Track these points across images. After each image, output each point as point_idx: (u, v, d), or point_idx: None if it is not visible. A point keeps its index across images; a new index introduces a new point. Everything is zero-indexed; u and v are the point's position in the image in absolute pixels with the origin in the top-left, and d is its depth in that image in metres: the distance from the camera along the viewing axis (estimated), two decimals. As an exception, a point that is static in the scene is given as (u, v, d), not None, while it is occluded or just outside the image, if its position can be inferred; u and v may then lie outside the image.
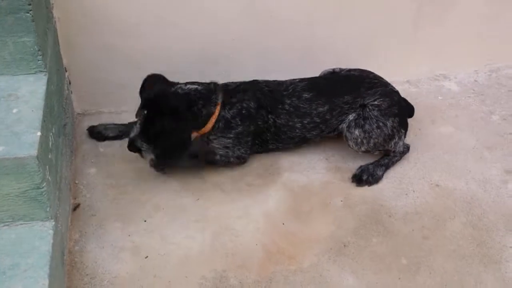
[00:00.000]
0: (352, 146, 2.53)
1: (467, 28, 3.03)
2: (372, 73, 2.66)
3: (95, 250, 2.24)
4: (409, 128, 2.66)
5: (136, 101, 2.85)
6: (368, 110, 2.49)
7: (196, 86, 2.41)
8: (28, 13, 2.03)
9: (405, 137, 2.61)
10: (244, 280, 2.16)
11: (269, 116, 2.50)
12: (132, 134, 2.39)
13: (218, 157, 2.52)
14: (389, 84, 2.64)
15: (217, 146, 2.49)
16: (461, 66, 3.16)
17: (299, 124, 2.52)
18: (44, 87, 2.10)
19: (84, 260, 2.20)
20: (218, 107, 2.41)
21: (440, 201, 2.48)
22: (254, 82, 2.56)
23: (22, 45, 2.08)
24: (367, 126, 2.48)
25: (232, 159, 2.53)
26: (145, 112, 2.32)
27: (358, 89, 2.53)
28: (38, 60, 2.13)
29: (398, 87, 2.66)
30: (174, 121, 2.28)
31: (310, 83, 2.56)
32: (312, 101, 2.51)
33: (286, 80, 2.59)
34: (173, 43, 2.74)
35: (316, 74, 2.75)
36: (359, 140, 2.49)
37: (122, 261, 2.21)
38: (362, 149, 2.52)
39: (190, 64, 2.83)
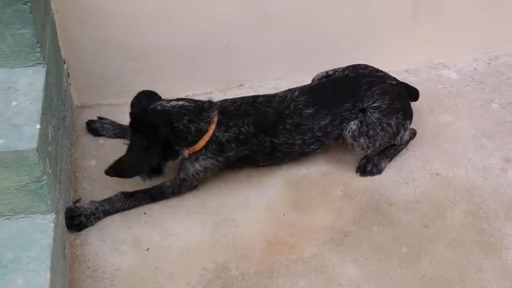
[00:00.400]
0: (359, 151, 2.49)
1: (465, 16, 3.02)
2: (367, 68, 2.57)
3: (96, 243, 2.24)
4: (408, 117, 2.66)
5: (135, 92, 2.85)
6: (369, 114, 2.42)
7: (183, 103, 2.27)
8: (25, 4, 2.01)
9: (410, 124, 2.58)
10: (245, 270, 2.16)
11: (266, 138, 2.40)
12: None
13: (169, 190, 2.40)
14: (387, 77, 2.56)
15: (197, 167, 2.35)
16: (460, 55, 3.16)
17: (300, 141, 2.45)
18: (43, 79, 2.10)
19: (85, 253, 2.20)
20: (213, 126, 2.29)
21: (440, 190, 2.48)
22: (255, 103, 2.41)
23: (20, 37, 2.07)
24: (371, 132, 2.42)
25: (194, 183, 2.41)
26: (129, 133, 2.26)
27: (357, 93, 2.45)
28: (37, 52, 2.12)
29: (397, 76, 2.64)
30: (148, 139, 2.19)
31: (310, 96, 2.44)
32: (314, 116, 2.42)
33: (285, 94, 2.46)
34: (171, 36, 2.73)
35: (314, 65, 2.73)
36: (365, 145, 2.46)
37: (123, 254, 2.21)
38: (369, 151, 2.51)
39: (188, 55, 2.82)
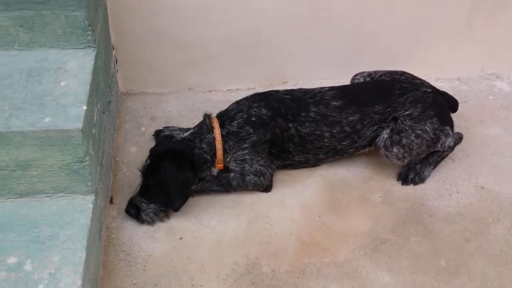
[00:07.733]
0: (395, 161, 2.42)
1: (523, 28, 2.92)
2: (404, 74, 2.51)
3: (132, 227, 2.26)
4: (456, 127, 2.57)
5: (179, 83, 2.88)
6: (400, 122, 2.35)
7: (190, 131, 2.36)
8: (81, -13, 2.05)
9: (452, 131, 2.48)
10: (276, 269, 2.14)
11: (289, 125, 2.35)
12: (132, 194, 2.31)
13: (234, 182, 2.38)
14: (423, 84, 2.48)
15: (234, 164, 2.36)
16: (514, 67, 3.05)
17: (328, 134, 2.38)
18: (92, 62, 2.13)
19: (120, 236, 2.23)
20: (216, 131, 2.31)
21: (484, 204, 2.40)
22: (271, 93, 2.44)
23: (73, 19, 2.11)
24: (404, 141, 2.34)
25: (249, 178, 2.36)
26: (148, 162, 2.27)
27: (389, 98, 2.39)
28: (88, 35, 2.15)
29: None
30: (175, 164, 2.23)
31: (339, 91, 2.43)
32: (342, 109, 2.37)
33: (313, 89, 2.46)
34: (219, 29, 2.73)
35: (361, 68, 2.68)
36: (400, 155, 2.38)
37: (157, 241, 2.22)
38: (406, 161, 2.43)
39: (234, 50, 2.82)
